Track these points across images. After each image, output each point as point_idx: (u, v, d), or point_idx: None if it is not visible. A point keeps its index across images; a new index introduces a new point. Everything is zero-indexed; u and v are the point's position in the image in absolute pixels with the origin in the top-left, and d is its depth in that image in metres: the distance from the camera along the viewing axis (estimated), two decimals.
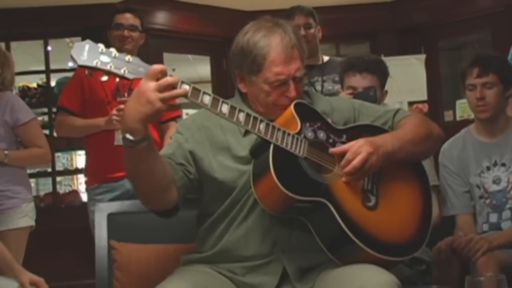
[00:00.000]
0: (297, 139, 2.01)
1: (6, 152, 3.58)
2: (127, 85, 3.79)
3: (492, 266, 2.55)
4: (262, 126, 1.97)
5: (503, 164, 2.89)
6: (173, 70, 8.97)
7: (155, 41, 5.91)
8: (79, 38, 6.09)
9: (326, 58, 4.07)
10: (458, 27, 6.39)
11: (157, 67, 1.84)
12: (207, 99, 1.90)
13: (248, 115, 1.96)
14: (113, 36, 3.80)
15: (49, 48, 6.28)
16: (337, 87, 3.82)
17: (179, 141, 2.14)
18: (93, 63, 1.82)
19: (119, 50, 4.22)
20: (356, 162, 2.00)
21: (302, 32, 3.88)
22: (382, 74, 3.03)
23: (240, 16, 5.99)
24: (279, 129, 1.99)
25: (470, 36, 6.85)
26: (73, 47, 1.84)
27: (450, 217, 2.95)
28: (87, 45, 1.84)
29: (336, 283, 1.94)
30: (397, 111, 2.32)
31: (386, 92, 3.10)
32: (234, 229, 2.10)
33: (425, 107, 6.07)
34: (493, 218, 2.87)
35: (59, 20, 5.88)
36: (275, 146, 1.97)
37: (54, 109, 5.64)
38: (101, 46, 1.85)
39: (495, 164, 2.91)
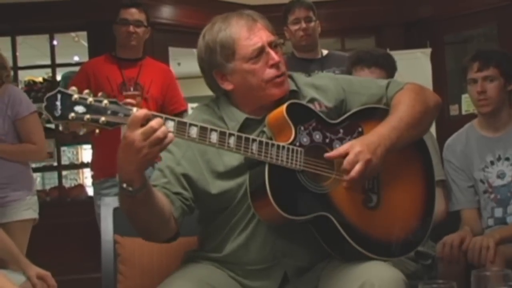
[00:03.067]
0: (292, 150, 1.94)
1: None
2: (133, 79, 3.81)
3: (498, 261, 2.55)
4: (254, 147, 1.89)
5: (507, 159, 2.89)
6: (179, 64, 8.97)
7: (160, 35, 5.90)
8: (85, 33, 6.10)
9: (325, 52, 4.08)
10: (464, 21, 6.37)
11: (139, 114, 1.73)
12: (194, 132, 1.81)
13: (239, 138, 1.88)
14: (119, 31, 3.80)
15: (54, 42, 6.28)
16: None
17: (171, 166, 2.03)
18: (69, 117, 1.70)
19: (125, 45, 4.27)
20: (354, 173, 1.92)
21: (303, 25, 3.89)
22: (390, 68, 3.03)
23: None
24: (272, 145, 1.91)
25: (476, 30, 6.83)
26: (44, 102, 1.70)
27: (455, 212, 2.95)
28: (59, 95, 1.70)
29: (341, 279, 1.93)
30: (389, 83, 2.21)
31: None
32: (235, 237, 2.07)
33: None
34: (498, 212, 2.87)
35: (64, 14, 5.88)
36: (270, 165, 1.90)
37: None
38: (74, 95, 1.71)
39: (499, 159, 2.90)
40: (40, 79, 6.66)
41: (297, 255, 2.04)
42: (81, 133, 1.76)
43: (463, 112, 6.18)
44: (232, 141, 1.87)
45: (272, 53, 2.02)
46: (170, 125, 1.79)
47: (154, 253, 2.41)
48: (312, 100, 2.12)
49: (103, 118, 1.73)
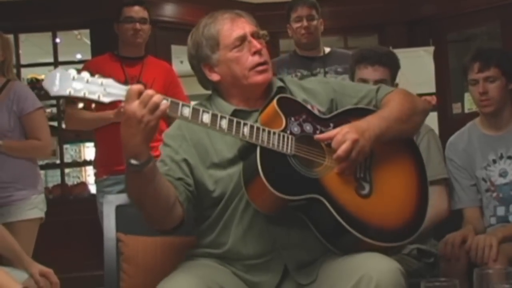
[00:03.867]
0: (283, 136, 1.99)
1: (0, 142, 3.56)
2: (135, 78, 3.81)
3: (501, 259, 2.55)
4: (246, 130, 1.95)
5: (509, 157, 2.88)
6: (181, 62, 8.96)
7: (163, 33, 5.91)
8: (87, 31, 6.12)
9: (327, 50, 4.07)
10: (467, 19, 6.36)
11: (134, 87, 1.83)
12: (186, 111, 1.88)
13: (230, 121, 1.94)
14: (124, 29, 3.81)
15: (57, 40, 6.30)
16: (340, 78, 3.82)
17: (170, 155, 2.11)
18: (66, 92, 1.80)
19: (131, 43, 4.29)
20: (340, 151, 1.98)
21: (305, 23, 3.89)
22: (393, 66, 3.02)
23: (248, 9, 5.94)
24: (263, 130, 1.96)
25: (479, 28, 6.83)
26: (44, 79, 1.82)
27: (458, 210, 2.95)
28: (58, 73, 1.80)
29: (340, 272, 1.94)
30: (379, 87, 2.28)
31: (397, 85, 3.09)
32: (231, 232, 2.09)
33: (433, 100, 6.05)
34: (501, 211, 2.87)
35: (67, 12, 5.89)
36: (262, 148, 1.95)
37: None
38: (72, 73, 1.81)
39: (501, 157, 2.90)
40: (43, 77, 6.65)
41: (296, 248, 2.06)
42: (79, 106, 1.88)
43: (466, 110, 6.18)
44: (224, 122, 1.93)
45: (254, 41, 2.12)
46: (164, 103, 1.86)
47: (158, 252, 2.42)
48: (304, 101, 2.17)
49: (99, 93, 1.82)
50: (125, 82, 3.70)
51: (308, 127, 2.07)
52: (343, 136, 1.99)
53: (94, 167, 4.04)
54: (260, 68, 2.11)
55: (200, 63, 2.17)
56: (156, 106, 1.80)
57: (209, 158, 2.09)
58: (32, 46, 7.22)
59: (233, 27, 2.12)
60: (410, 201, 2.14)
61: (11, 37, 5.89)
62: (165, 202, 1.96)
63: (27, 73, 6.81)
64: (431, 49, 6.25)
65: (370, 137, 2.02)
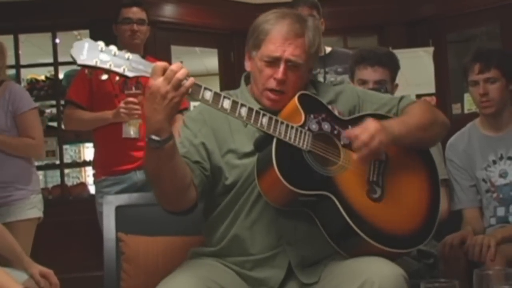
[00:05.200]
0: (301, 131, 2.01)
1: None
2: (134, 78, 3.80)
3: (499, 260, 2.55)
4: (264, 120, 1.97)
5: (510, 158, 2.88)
6: (181, 62, 8.98)
7: (162, 33, 5.90)
8: (87, 31, 6.11)
9: (328, 49, 4.06)
10: (466, 20, 6.35)
11: (160, 64, 1.86)
12: (208, 95, 1.91)
13: (250, 109, 1.96)
14: (122, 30, 3.81)
15: (57, 40, 6.29)
16: (340, 78, 3.81)
17: (189, 137, 2.14)
18: (93, 62, 1.82)
19: (129, 44, 4.29)
20: (364, 136, 2.00)
21: None
22: (393, 67, 3.02)
23: (248, 9, 5.97)
24: (282, 123, 1.99)
25: (478, 29, 6.81)
26: (72, 47, 1.83)
27: (457, 211, 2.95)
28: (87, 43, 1.83)
29: (343, 276, 1.94)
30: (402, 98, 2.31)
31: (397, 85, 3.09)
32: (240, 223, 2.10)
33: (433, 100, 6.04)
34: (501, 212, 2.87)
35: (67, 12, 5.88)
36: (278, 140, 1.97)
37: (63, 102, 5.65)
38: (100, 44, 1.84)
39: (501, 158, 2.90)
40: (43, 77, 6.67)
41: (301, 244, 2.07)
42: (103, 78, 1.85)
43: (466, 111, 6.17)
44: (243, 110, 1.95)
45: (281, 68, 2.09)
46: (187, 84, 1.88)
47: (160, 252, 2.42)
48: (327, 102, 2.19)
49: (124, 67, 1.84)
50: (124, 83, 3.72)
51: (326, 126, 2.09)
52: (368, 124, 2.03)
53: (93, 168, 4.04)
54: (272, 95, 2.12)
55: (247, 46, 2.21)
56: (180, 82, 1.84)
57: (226, 145, 2.12)
58: (32, 47, 7.21)
59: (278, 44, 2.10)
60: (420, 211, 2.14)
61: (10, 37, 5.92)
62: (181, 181, 1.99)
63: (27, 74, 6.80)
64: (431, 49, 6.24)
65: (390, 133, 2.05)
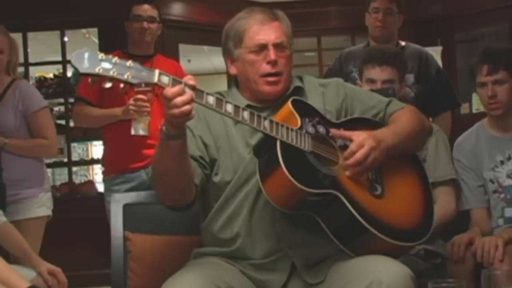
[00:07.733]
0: (300, 134, 2.03)
1: (6, 140, 3.55)
2: None
3: (507, 260, 2.55)
4: (266, 123, 1.98)
5: None
6: (189, 61, 8.99)
7: (171, 32, 5.92)
8: (95, 29, 6.13)
9: (402, 44, 3.86)
10: (475, 19, 6.34)
11: (169, 92, 1.83)
12: (211, 100, 1.91)
13: (251, 113, 1.97)
14: (132, 27, 3.81)
15: (65, 38, 6.31)
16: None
17: (187, 132, 2.14)
18: (96, 70, 1.80)
19: (138, 42, 4.29)
20: (359, 155, 2.01)
21: (380, 16, 3.68)
22: (401, 67, 3.00)
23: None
24: (282, 125, 2.00)
25: (487, 28, 6.81)
26: (72, 57, 1.81)
27: (465, 211, 2.94)
28: (86, 53, 1.81)
29: (349, 276, 1.94)
30: (390, 102, 2.33)
31: (405, 86, 3.08)
32: (236, 229, 2.11)
33: None
34: (509, 212, 2.86)
35: (75, 10, 5.90)
36: (282, 142, 1.97)
37: (71, 100, 5.67)
38: (100, 54, 1.83)
39: (508, 159, 2.89)
40: (51, 75, 6.70)
41: (303, 246, 2.07)
42: (107, 86, 1.84)
43: (474, 111, 6.16)
44: (246, 114, 1.96)
45: (272, 51, 2.15)
46: (190, 92, 1.87)
47: (166, 251, 2.43)
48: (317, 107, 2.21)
49: (128, 74, 1.83)
50: None
51: (321, 129, 2.11)
52: (363, 141, 2.03)
53: (102, 166, 4.04)
54: (270, 78, 2.16)
55: (225, 53, 2.26)
56: (183, 103, 1.82)
57: (221, 142, 2.15)
58: (40, 45, 7.24)
59: (259, 31, 2.17)
60: (419, 205, 2.19)
61: (19, 35, 5.94)
62: (185, 179, 2.01)
63: (35, 72, 6.83)
64: (439, 49, 6.22)
65: (385, 148, 2.07)
